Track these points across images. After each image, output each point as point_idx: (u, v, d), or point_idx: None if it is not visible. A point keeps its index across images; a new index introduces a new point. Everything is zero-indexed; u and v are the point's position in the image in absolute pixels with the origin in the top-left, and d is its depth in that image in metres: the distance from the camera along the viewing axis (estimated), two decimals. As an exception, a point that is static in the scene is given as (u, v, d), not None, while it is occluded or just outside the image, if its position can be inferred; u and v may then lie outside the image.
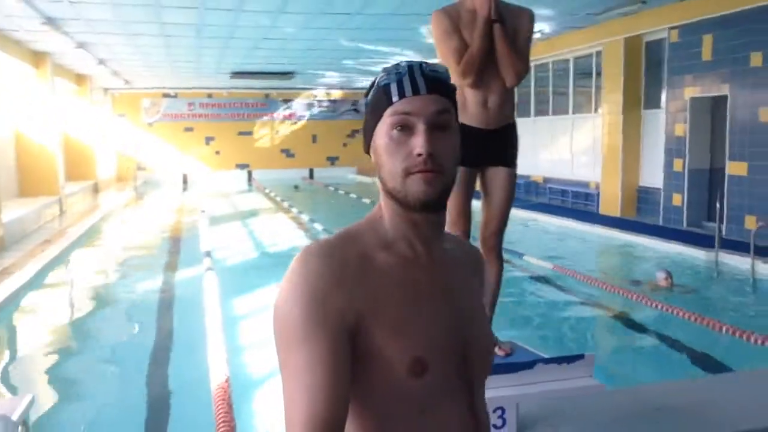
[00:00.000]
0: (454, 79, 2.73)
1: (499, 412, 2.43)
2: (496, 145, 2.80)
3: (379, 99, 1.04)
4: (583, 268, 7.79)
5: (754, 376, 3.27)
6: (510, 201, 2.87)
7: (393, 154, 1.01)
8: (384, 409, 1.00)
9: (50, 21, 9.53)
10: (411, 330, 0.99)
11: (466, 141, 2.74)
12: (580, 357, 2.40)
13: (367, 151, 1.09)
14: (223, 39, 11.67)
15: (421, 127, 1.00)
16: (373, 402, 0.99)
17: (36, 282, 7.17)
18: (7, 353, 5.33)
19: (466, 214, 2.82)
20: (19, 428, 2.32)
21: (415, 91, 1.01)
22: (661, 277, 6.46)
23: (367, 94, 1.09)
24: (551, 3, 8.94)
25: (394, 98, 1.02)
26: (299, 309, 0.94)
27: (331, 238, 1.04)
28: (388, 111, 1.02)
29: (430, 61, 1.12)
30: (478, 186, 2.94)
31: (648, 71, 11.15)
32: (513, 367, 2.35)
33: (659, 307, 5.80)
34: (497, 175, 2.83)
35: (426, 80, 1.02)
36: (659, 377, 4.25)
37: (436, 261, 1.07)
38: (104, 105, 20.85)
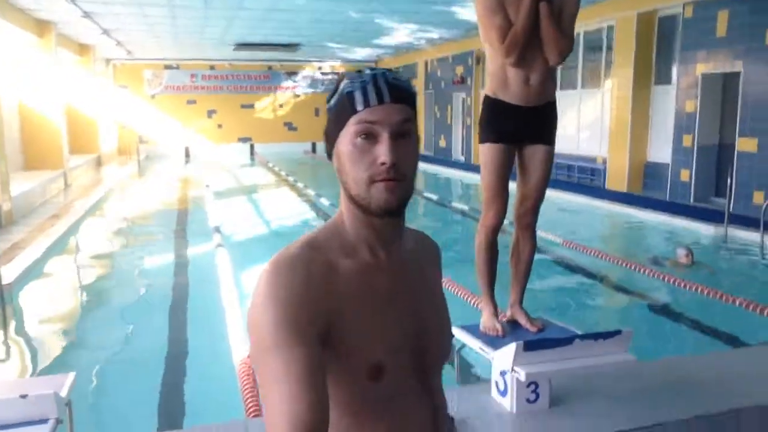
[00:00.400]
0: (496, 57, 2.69)
1: (533, 387, 2.47)
2: (537, 122, 2.78)
3: (343, 106, 1.05)
4: (596, 244, 7.81)
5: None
6: (547, 179, 2.87)
7: (357, 161, 1.03)
8: (347, 409, 1.06)
9: (56, -10, 9.41)
10: (371, 336, 1.04)
11: (506, 118, 2.76)
12: (618, 333, 2.42)
13: (330, 157, 1.11)
14: (231, 10, 11.54)
15: (385, 136, 1.02)
16: (336, 403, 1.03)
17: (48, 257, 7.17)
18: (25, 330, 5.36)
19: (502, 193, 2.82)
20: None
21: (380, 100, 1.02)
22: (681, 254, 6.45)
23: (329, 100, 1.09)
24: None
25: (359, 107, 1.03)
26: (274, 316, 0.97)
27: (296, 248, 1.05)
28: (353, 119, 1.03)
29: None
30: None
31: (660, 47, 11.04)
32: (550, 342, 2.38)
33: (683, 285, 5.77)
34: (536, 152, 2.81)
35: (390, 89, 1.03)
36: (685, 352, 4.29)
37: (396, 264, 1.11)
38: (106, 76, 20.67)
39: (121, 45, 17.12)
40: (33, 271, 6.53)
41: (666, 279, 6.00)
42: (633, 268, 6.54)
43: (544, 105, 2.79)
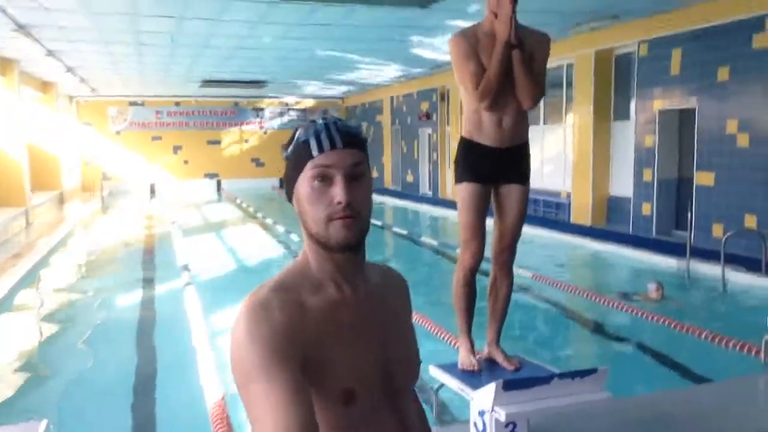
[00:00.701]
0: (471, 100, 2.78)
1: (511, 426, 2.49)
2: (511, 162, 2.87)
3: (299, 153, 1.14)
4: (565, 277, 7.95)
5: (748, 383, 3.40)
6: (523, 218, 2.94)
7: (315, 203, 1.12)
8: None
9: (22, 28, 9.32)
10: (342, 366, 1.11)
11: (481, 159, 2.83)
12: (593, 371, 2.46)
13: (290, 200, 1.20)
14: (197, 48, 11.57)
15: (339, 178, 1.11)
16: None
17: (9, 299, 6.97)
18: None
19: (479, 233, 2.88)
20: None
21: (333, 146, 1.12)
22: (652, 288, 6.54)
23: (286, 148, 1.18)
24: (521, 18, 9.06)
25: (315, 152, 1.12)
26: (258, 348, 1.03)
27: (267, 290, 1.12)
28: (309, 164, 1.12)
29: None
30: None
31: (618, 84, 11.44)
32: (529, 382, 2.41)
33: (654, 319, 5.86)
34: (511, 192, 2.89)
35: (341, 135, 1.13)
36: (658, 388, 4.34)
37: (361, 298, 1.19)
38: (70, 113, 20.41)
39: (86, 82, 16.97)
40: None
41: (637, 313, 6.08)
42: (604, 302, 6.61)
43: (518, 146, 2.88)
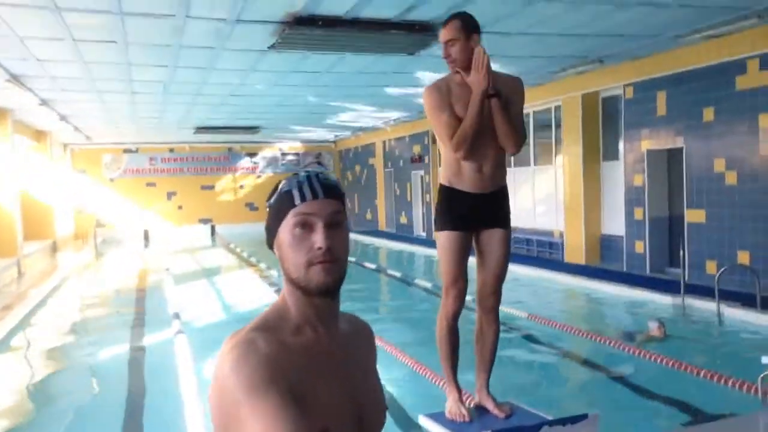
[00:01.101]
0: (447, 151, 2.79)
1: (503, 476, 2.44)
2: (491, 207, 2.87)
3: (282, 203, 1.22)
4: (562, 318, 7.86)
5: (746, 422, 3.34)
6: (506, 261, 2.93)
7: (296, 248, 1.19)
8: None
9: (15, 78, 9.44)
10: (320, 406, 1.14)
11: (461, 205, 2.83)
12: (584, 417, 2.43)
13: (271, 247, 1.27)
14: (190, 95, 11.72)
15: (320, 225, 1.18)
16: None
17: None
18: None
19: (460, 279, 2.86)
20: None
21: (314, 196, 1.20)
22: (654, 326, 6.49)
23: (269, 198, 1.26)
24: (509, 62, 9.29)
25: (297, 201, 1.20)
26: (247, 374, 1.07)
27: (249, 330, 1.18)
28: (292, 212, 1.20)
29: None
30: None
31: (605, 125, 11.60)
32: (519, 431, 2.37)
33: (656, 359, 5.79)
34: (492, 236, 2.89)
35: (322, 187, 1.22)
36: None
37: (337, 342, 1.25)
38: (64, 161, 20.50)
39: (80, 130, 17.10)
40: (-20, 368, 6.21)
41: (637, 353, 5.98)
42: (602, 341, 6.54)
43: (497, 190, 2.89)
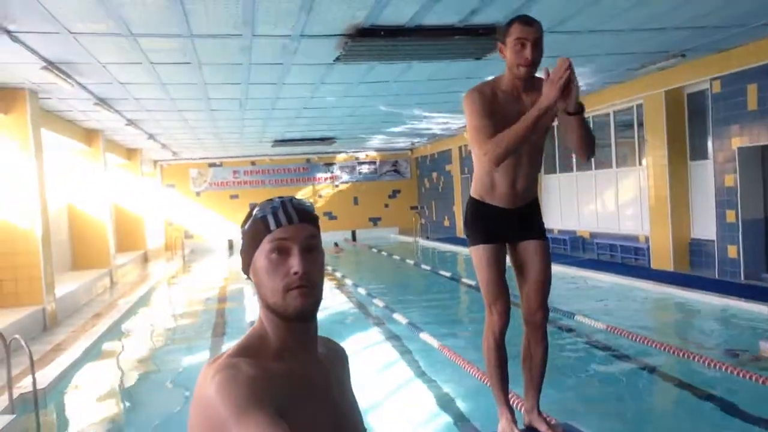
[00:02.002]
0: (480, 162, 2.62)
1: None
2: (523, 221, 2.73)
3: (257, 229, 1.22)
4: (647, 330, 7.39)
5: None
6: (547, 272, 2.76)
7: (272, 273, 1.19)
8: None
9: (102, 101, 10.01)
10: (301, 429, 1.13)
11: (492, 220, 2.69)
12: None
13: (246, 272, 1.27)
14: (265, 111, 12.03)
15: (295, 250, 1.19)
16: None
17: (85, 360, 7.24)
18: (56, 434, 5.34)
19: (502, 293, 2.72)
20: None
21: (289, 221, 1.21)
22: (766, 347, 5.88)
23: (244, 224, 1.26)
24: (585, 61, 8.95)
25: (272, 227, 1.20)
26: (235, 393, 1.06)
27: (229, 356, 1.17)
28: (267, 238, 1.20)
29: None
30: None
31: (692, 122, 10.95)
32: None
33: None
34: (528, 247, 2.74)
35: (297, 212, 1.22)
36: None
37: (316, 366, 1.25)
38: (154, 176, 21.61)
39: (167, 147, 17.95)
40: (68, 375, 6.58)
41: (736, 373, 5.42)
42: (705, 362, 5.91)
43: (529, 203, 2.74)
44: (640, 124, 12.01)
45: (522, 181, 2.67)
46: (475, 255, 2.74)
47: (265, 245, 1.20)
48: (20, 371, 6.08)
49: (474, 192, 2.77)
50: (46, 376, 6.12)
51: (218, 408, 1.06)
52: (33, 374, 5.33)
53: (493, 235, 2.70)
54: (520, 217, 2.70)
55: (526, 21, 2.58)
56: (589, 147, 2.56)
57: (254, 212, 1.26)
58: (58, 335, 8.52)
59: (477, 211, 2.74)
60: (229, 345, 6.79)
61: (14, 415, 5.01)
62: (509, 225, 2.69)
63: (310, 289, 1.19)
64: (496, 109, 2.58)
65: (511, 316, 2.78)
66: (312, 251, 1.21)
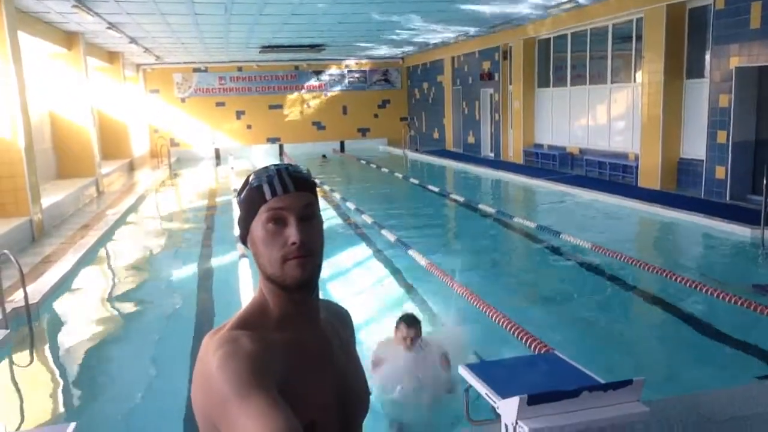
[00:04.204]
0: None
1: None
2: None
3: (253, 198, 1.18)
4: (630, 248, 7.46)
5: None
6: None
7: (270, 244, 1.16)
8: None
9: (80, 3, 9.52)
10: (306, 400, 1.14)
11: None
12: (628, 383, 2.30)
13: (244, 242, 1.23)
14: (251, 16, 11.54)
15: (292, 220, 1.16)
16: None
17: (75, 272, 7.27)
18: (50, 348, 5.44)
19: None
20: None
21: (285, 190, 1.17)
22: None
23: (240, 193, 1.22)
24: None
25: (268, 196, 1.17)
26: (235, 370, 1.06)
27: (231, 328, 1.16)
28: (263, 207, 1.17)
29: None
30: None
31: (691, 39, 10.68)
32: (555, 395, 2.27)
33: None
34: None
35: (293, 180, 1.18)
36: None
37: (318, 333, 1.24)
38: (137, 82, 20.98)
39: (150, 51, 17.32)
40: (60, 288, 6.63)
41: (715, 295, 5.45)
42: (673, 278, 6.10)
43: None
44: (638, 39, 11.70)
45: None
46: None
47: (262, 215, 1.17)
48: (11, 284, 6.11)
49: None
50: (37, 289, 6.16)
51: (220, 385, 1.06)
52: (24, 288, 5.35)
53: None
54: None
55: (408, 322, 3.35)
56: None
57: (250, 180, 1.21)
58: (47, 247, 8.51)
59: None
60: (217, 259, 6.86)
61: (8, 330, 5.08)
62: None
63: (308, 258, 1.16)
64: None
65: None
66: (310, 219, 1.18)
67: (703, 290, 5.76)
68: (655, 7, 10.74)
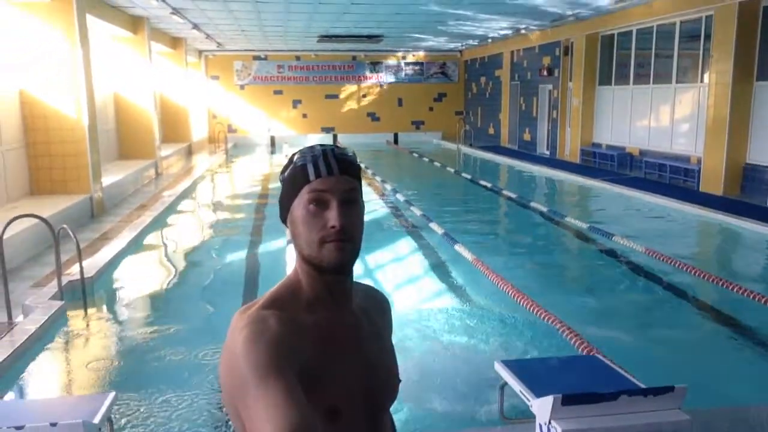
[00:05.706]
0: None
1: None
2: None
3: (296, 177, 1.17)
4: (686, 254, 7.21)
5: None
6: None
7: (310, 225, 1.15)
8: None
9: (147, -11, 9.79)
10: (331, 384, 1.14)
11: None
12: (670, 389, 2.21)
13: (284, 221, 1.22)
14: (311, 4, 11.63)
15: (334, 203, 1.14)
16: None
17: (129, 250, 7.50)
18: (101, 320, 5.64)
19: None
20: (103, 429, 2.36)
21: (329, 172, 1.16)
22: None
23: (284, 171, 1.21)
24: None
25: (311, 177, 1.16)
26: (257, 354, 1.06)
27: (261, 306, 1.16)
28: (306, 188, 1.16)
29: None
30: None
31: (763, 39, 10.18)
32: (592, 397, 2.20)
33: None
34: None
35: (338, 162, 1.17)
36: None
37: (350, 318, 1.23)
38: (198, 68, 21.49)
39: (211, 38, 17.69)
40: (114, 263, 6.86)
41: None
42: (731, 288, 5.81)
43: None
44: (707, 38, 11.23)
45: None
46: None
47: (304, 195, 1.16)
48: (69, 258, 6.35)
49: None
50: (93, 264, 6.39)
51: (241, 365, 1.07)
52: (80, 263, 5.56)
53: None
54: None
55: None
56: None
57: (294, 159, 1.20)
58: (105, 224, 8.82)
59: None
60: (266, 246, 6.96)
61: (63, 302, 5.29)
62: None
63: (346, 243, 1.15)
64: None
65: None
66: (351, 204, 1.17)
67: (762, 301, 5.50)
68: (726, 5, 10.28)
